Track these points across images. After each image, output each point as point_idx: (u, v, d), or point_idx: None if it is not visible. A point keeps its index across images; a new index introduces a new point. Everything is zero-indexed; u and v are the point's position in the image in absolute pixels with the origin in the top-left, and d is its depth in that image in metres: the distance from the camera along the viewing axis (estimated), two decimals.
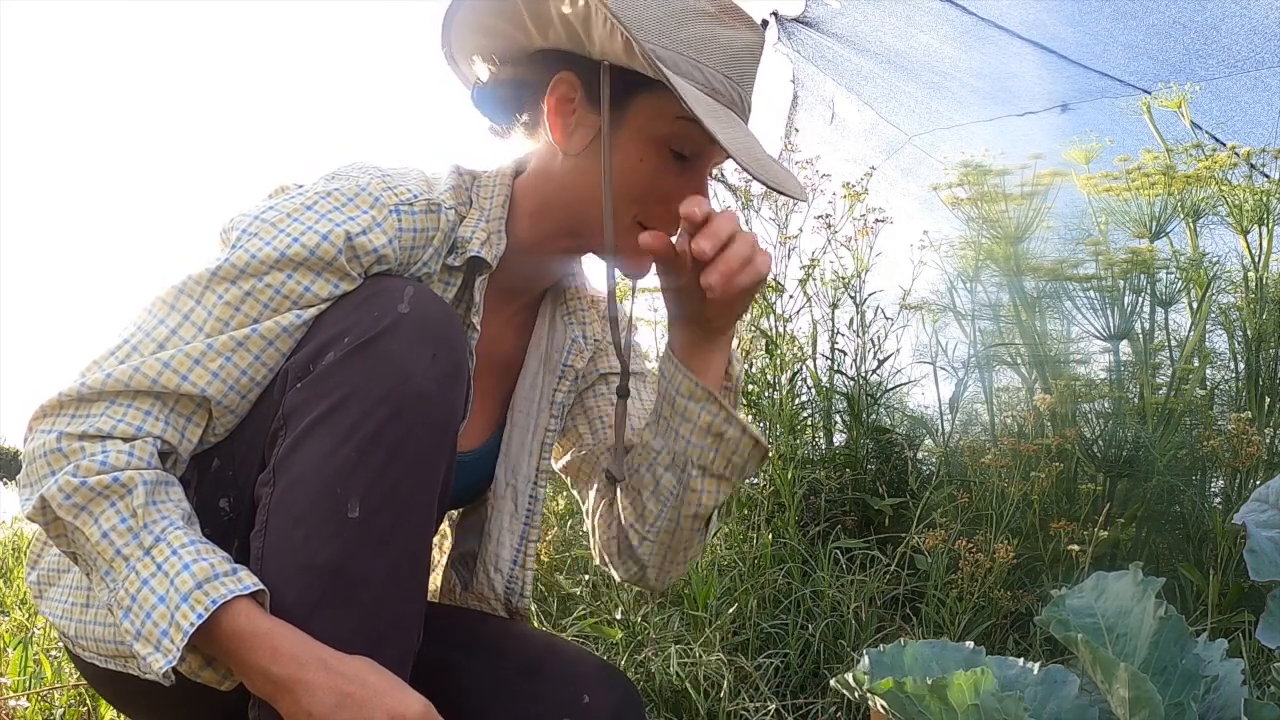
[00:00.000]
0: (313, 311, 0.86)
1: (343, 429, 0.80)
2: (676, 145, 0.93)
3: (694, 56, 0.90)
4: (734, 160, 0.87)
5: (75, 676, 1.68)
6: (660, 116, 0.92)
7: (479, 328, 0.99)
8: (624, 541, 1.04)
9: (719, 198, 2.53)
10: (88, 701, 1.62)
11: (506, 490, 1.09)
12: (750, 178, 0.98)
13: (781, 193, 0.92)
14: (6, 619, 2.26)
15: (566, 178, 0.97)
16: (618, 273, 0.99)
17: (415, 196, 0.93)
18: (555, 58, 0.95)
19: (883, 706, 0.89)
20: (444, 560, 1.16)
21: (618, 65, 0.91)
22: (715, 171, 2.47)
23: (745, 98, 0.94)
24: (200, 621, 0.74)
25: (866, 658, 0.96)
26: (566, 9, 0.89)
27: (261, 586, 0.78)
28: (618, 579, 1.09)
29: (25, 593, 2.46)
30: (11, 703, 1.58)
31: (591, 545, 1.11)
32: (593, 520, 1.10)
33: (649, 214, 0.95)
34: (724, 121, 0.89)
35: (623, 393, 1.04)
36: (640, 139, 0.93)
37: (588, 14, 0.87)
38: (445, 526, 1.19)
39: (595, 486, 1.12)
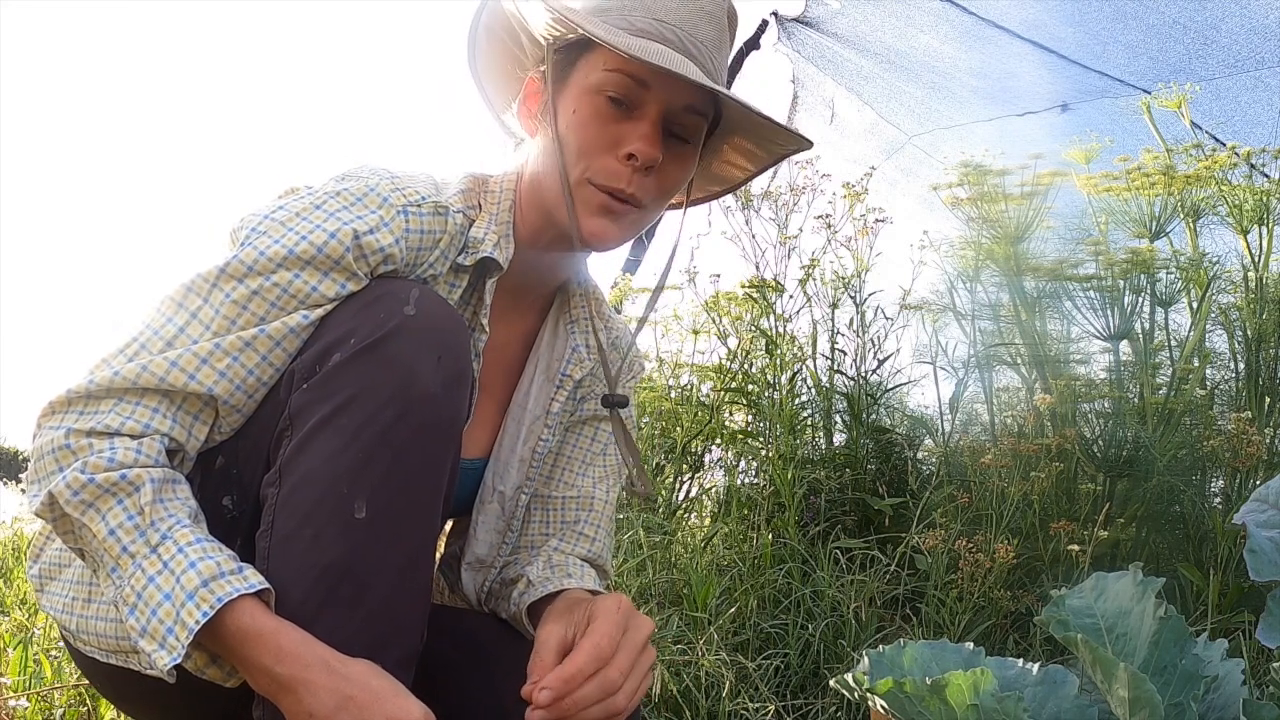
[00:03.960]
0: (320, 312, 0.87)
1: (349, 430, 0.80)
2: (609, 90, 0.93)
3: (623, 13, 0.93)
4: (626, 55, 0.87)
5: (75, 676, 1.68)
6: (592, 67, 0.94)
7: (488, 329, 1.00)
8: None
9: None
10: (88, 701, 1.62)
11: (494, 496, 1.08)
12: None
13: (738, 106, 0.93)
14: (6, 619, 2.25)
15: (535, 161, 0.99)
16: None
17: (423, 199, 0.94)
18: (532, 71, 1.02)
19: (882, 707, 0.89)
20: (437, 561, 1.16)
21: (562, 45, 0.96)
22: None
23: (683, 38, 0.93)
24: (205, 619, 0.74)
25: (866, 658, 0.96)
26: (515, 19, 0.96)
27: (267, 585, 0.78)
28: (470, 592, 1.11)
29: (25, 593, 2.46)
30: (11, 703, 1.58)
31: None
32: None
33: (593, 167, 0.94)
34: (637, 40, 0.90)
35: (611, 404, 1.05)
36: (575, 94, 0.95)
37: (528, 12, 0.94)
38: (445, 527, 1.19)
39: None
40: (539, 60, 1.00)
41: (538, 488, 1.11)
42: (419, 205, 0.93)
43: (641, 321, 1.14)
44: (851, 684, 0.92)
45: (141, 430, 0.82)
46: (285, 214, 0.89)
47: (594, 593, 0.99)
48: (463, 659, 1.00)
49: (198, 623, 0.74)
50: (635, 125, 0.93)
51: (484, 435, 1.09)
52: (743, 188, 2.47)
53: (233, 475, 0.87)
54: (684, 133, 0.96)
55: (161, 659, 0.75)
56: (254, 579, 0.78)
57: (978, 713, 0.81)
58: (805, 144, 1.01)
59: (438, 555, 1.16)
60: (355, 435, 0.80)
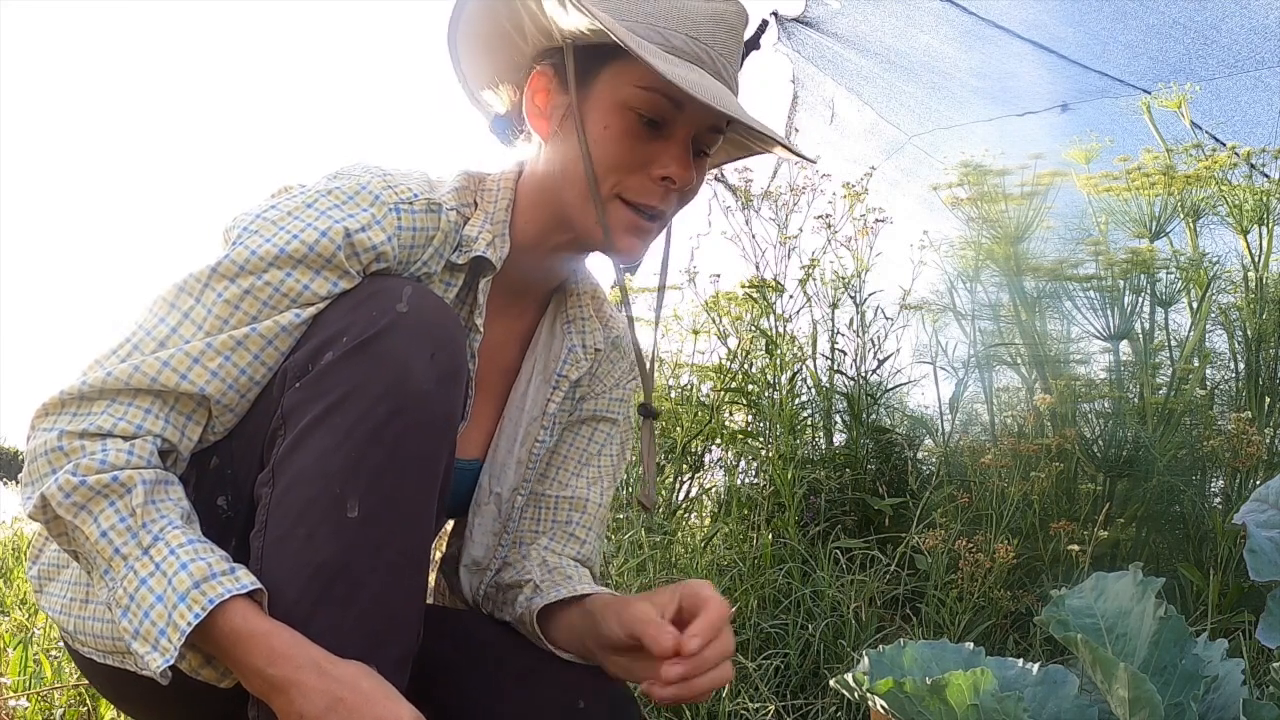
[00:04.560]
0: (312, 310, 0.86)
1: (342, 428, 0.80)
2: (642, 109, 0.92)
3: (654, 23, 0.91)
4: (672, 86, 0.85)
5: (75, 676, 1.68)
6: (622, 82, 0.92)
7: (482, 329, 0.99)
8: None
9: (718, 197, 2.53)
10: (88, 701, 1.62)
11: (490, 497, 1.08)
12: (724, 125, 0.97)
13: (749, 125, 0.92)
14: (6, 619, 2.26)
15: (550, 164, 0.98)
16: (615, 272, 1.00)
17: (416, 196, 0.93)
18: (535, 60, 0.99)
19: (882, 707, 0.89)
20: (438, 561, 1.15)
21: (582, 45, 0.93)
22: (715, 171, 2.48)
23: (715, 57, 0.93)
24: (197, 621, 0.74)
25: (866, 658, 0.96)
26: (532, 3, 0.92)
27: (259, 585, 0.78)
28: (467, 591, 1.10)
29: (25, 593, 2.46)
30: (11, 703, 1.58)
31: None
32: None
33: (625, 184, 0.94)
34: (677, 66, 0.89)
35: (648, 413, 1.06)
36: (604, 107, 0.93)
37: (550, 8, 0.91)
38: (446, 528, 1.19)
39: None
40: (541, 48, 0.98)
41: (532, 485, 1.11)
42: (411, 203, 0.92)
43: (630, 318, 1.13)
44: (851, 684, 0.92)
45: (134, 431, 0.81)
46: (277, 213, 0.89)
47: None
48: (462, 660, 1.00)
49: (190, 624, 0.74)
50: (667, 145, 0.93)
51: (480, 436, 1.08)
52: (742, 189, 2.47)
53: (227, 475, 0.87)
54: (706, 147, 0.97)
55: (154, 661, 0.75)
56: (246, 579, 0.77)
57: (977, 713, 0.81)
58: (809, 161, 1.03)
59: (437, 556, 1.16)
60: (348, 434, 0.80)
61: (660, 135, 0.94)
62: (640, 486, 1.06)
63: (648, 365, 1.10)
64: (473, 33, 1.00)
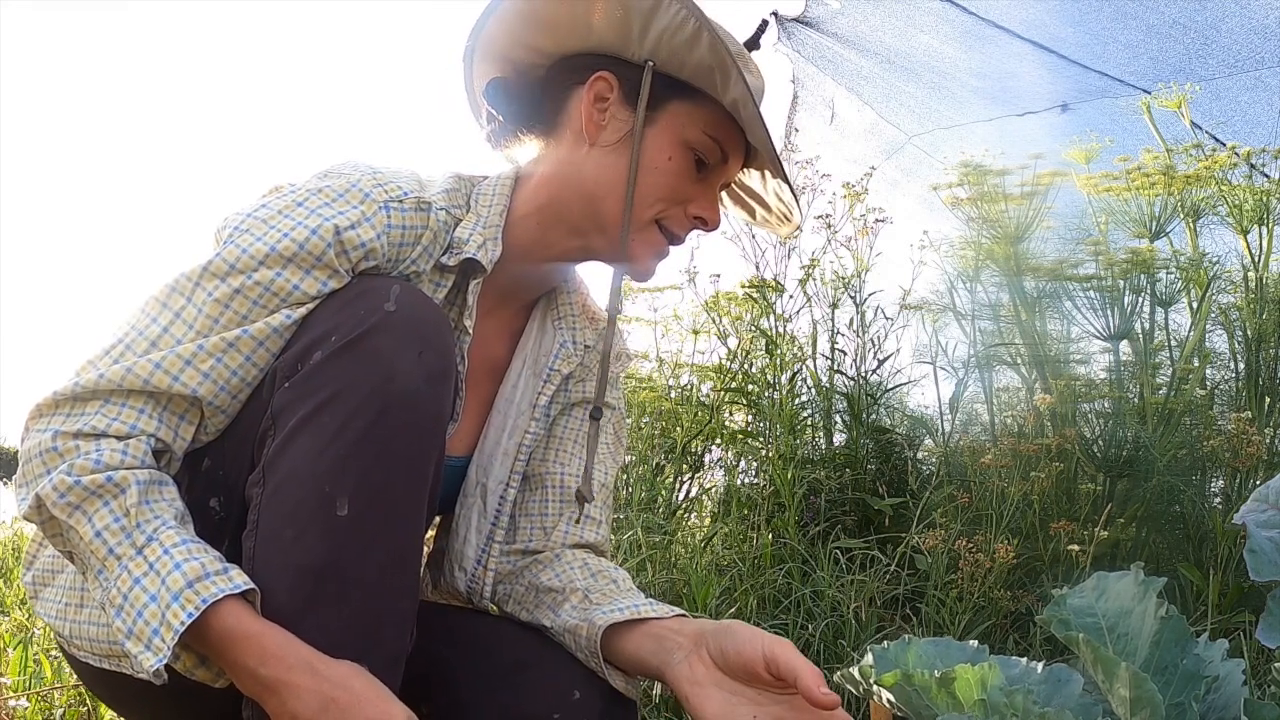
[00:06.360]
0: (302, 310, 0.87)
1: (331, 428, 0.80)
2: (701, 153, 0.99)
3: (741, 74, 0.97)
4: (770, 175, 1.02)
5: (74, 677, 1.68)
6: (692, 123, 0.98)
7: (470, 331, 0.99)
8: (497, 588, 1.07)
9: None
10: (88, 701, 1.62)
11: (477, 489, 1.07)
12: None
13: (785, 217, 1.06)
14: (6, 619, 2.26)
15: (589, 170, 0.98)
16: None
17: (406, 194, 0.94)
18: (588, 61, 0.99)
19: (888, 700, 0.89)
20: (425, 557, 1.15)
21: (660, 71, 0.97)
22: None
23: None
24: (191, 620, 0.74)
25: (870, 654, 0.96)
26: (622, 10, 0.94)
27: (252, 585, 0.78)
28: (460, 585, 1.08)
29: (25, 593, 2.46)
30: (11, 703, 1.58)
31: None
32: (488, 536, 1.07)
33: (668, 215, 1.00)
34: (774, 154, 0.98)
35: (595, 415, 1.06)
36: (670, 140, 0.98)
37: (651, 18, 0.93)
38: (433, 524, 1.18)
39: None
40: (603, 50, 0.98)
41: (533, 467, 1.10)
42: (401, 201, 0.93)
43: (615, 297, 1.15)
44: (857, 677, 0.92)
45: (128, 432, 0.82)
46: (268, 212, 0.89)
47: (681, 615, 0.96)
48: (452, 655, 1.00)
49: (183, 624, 0.74)
50: (705, 189, 1.01)
51: (469, 432, 1.08)
52: None
53: (219, 477, 0.87)
54: (723, 188, 1.06)
55: (147, 660, 0.75)
56: (239, 579, 0.77)
57: (985, 707, 0.81)
58: (794, 221, 1.18)
59: (425, 552, 1.16)
60: (337, 433, 0.80)
61: (704, 178, 1.00)
62: (583, 479, 1.08)
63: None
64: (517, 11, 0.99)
